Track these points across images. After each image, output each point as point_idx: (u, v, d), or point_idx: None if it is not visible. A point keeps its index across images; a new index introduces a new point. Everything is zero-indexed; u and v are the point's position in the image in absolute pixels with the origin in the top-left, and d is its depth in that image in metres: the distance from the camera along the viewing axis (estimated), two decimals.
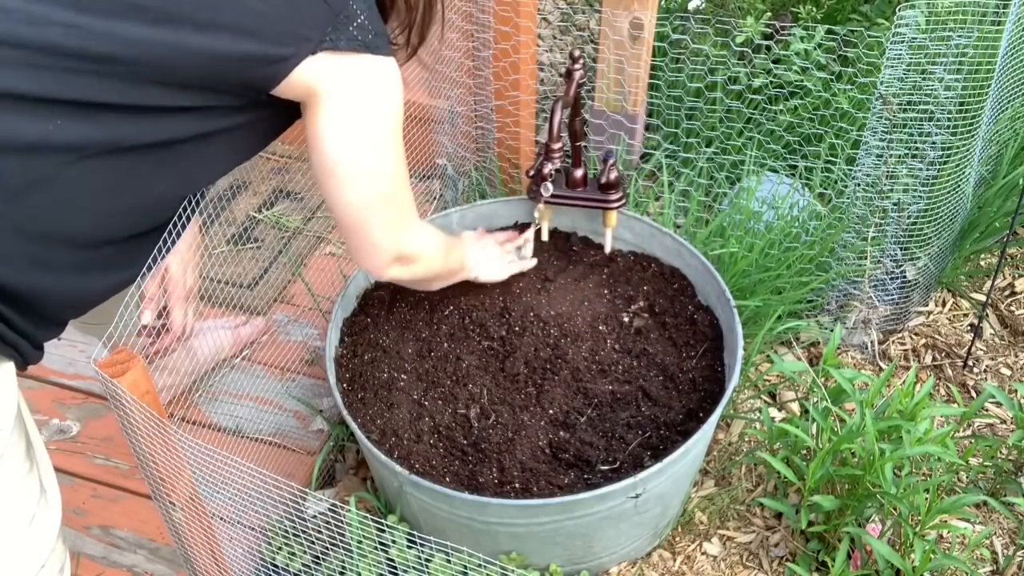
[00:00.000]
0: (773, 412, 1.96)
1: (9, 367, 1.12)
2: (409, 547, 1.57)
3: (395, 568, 1.51)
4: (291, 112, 1.26)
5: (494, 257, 1.81)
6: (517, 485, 1.55)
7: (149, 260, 1.25)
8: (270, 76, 1.16)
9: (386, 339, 1.77)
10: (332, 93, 1.21)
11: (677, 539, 1.77)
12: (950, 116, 1.82)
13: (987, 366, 2.07)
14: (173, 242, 1.27)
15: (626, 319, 1.80)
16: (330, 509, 1.36)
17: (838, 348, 1.93)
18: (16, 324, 1.10)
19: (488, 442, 1.61)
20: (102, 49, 1.05)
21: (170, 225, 1.25)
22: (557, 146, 1.68)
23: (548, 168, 1.74)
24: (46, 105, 1.05)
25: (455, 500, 1.48)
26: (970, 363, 2.06)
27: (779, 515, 1.80)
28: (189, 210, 1.27)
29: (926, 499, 1.55)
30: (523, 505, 1.48)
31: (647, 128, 2.44)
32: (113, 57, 1.06)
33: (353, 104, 1.23)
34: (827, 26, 2.20)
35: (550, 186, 1.74)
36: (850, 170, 2.03)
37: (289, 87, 1.18)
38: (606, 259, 1.91)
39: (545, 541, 1.55)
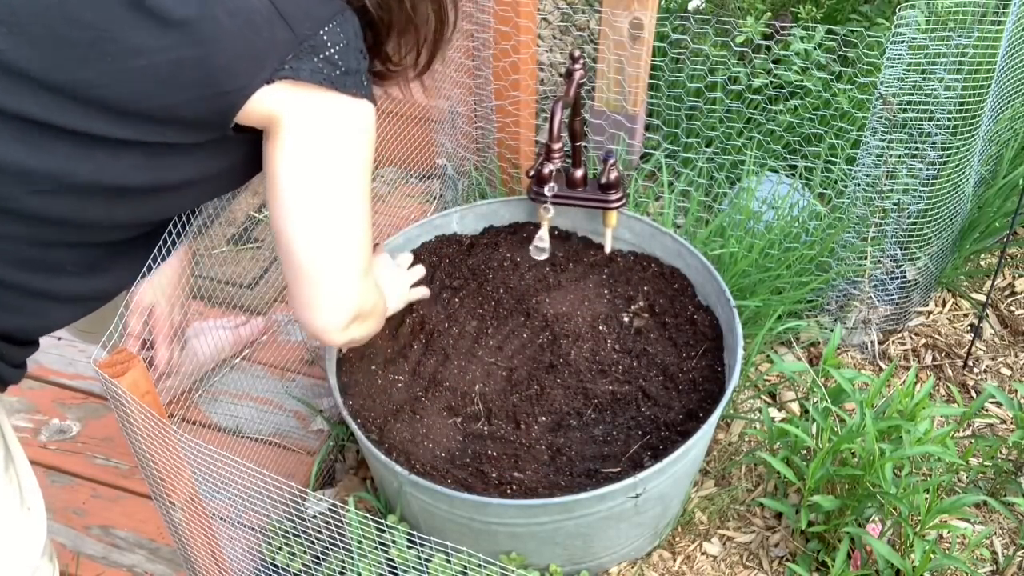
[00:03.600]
0: (773, 412, 1.96)
1: None
2: (409, 547, 1.57)
3: (395, 568, 1.51)
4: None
5: (395, 279, 1.70)
6: (517, 485, 1.55)
7: (132, 274, 1.23)
8: (228, 107, 1.10)
9: (386, 340, 1.77)
10: (291, 125, 1.13)
11: (677, 539, 1.77)
12: (950, 116, 1.82)
13: (987, 366, 2.07)
14: (168, 251, 1.26)
15: (626, 319, 1.80)
16: (330, 509, 1.36)
17: (838, 348, 1.93)
18: None
19: (488, 442, 1.61)
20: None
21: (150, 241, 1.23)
22: (557, 146, 1.68)
23: (548, 168, 1.74)
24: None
25: (455, 500, 1.48)
26: (970, 363, 2.06)
27: (779, 515, 1.80)
28: (169, 242, 1.25)
29: (926, 499, 1.55)
30: (523, 505, 1.48)
31: (647, 128, 2.44)
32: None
33: (313, 140, 1.15)
34: (827, 26, 2.20)
35: (554, 185, 1.74)
36: (850, 170, 2.03)
37: (248, 115, 1.12)
38: (606, 259, 1.91)
39: (545, 541, 1.55)
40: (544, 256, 1.80)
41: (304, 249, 1.20)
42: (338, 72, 1.12)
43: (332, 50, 1.11)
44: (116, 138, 1.06)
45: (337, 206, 1.20)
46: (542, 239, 1.78)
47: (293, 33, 1.09)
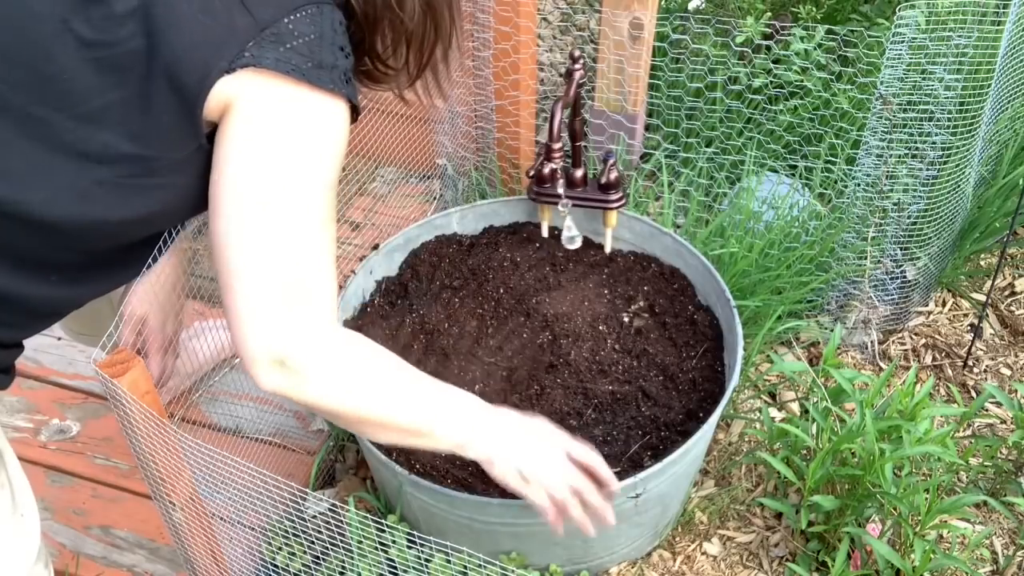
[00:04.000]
0: (773, 412, 1.96)
1: None
2: (409, 547, 1.57)
3: (395, 568, 1.51)
4: None
5: (547, 459, 1.28)
6: None
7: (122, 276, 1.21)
8: (192, 102, 1.03)
9: (386, 340, 1.77)
10: (244, 108, 1.03)
11: (677, 539, 1.77)
12: (950, 116, 1.82)
13: (987, 366, 2.07)
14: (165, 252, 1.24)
15: (626, 319, 1.80)
16: (330, 509, 1.36)
17: (838, 348, 1.93)
18: None
19: None
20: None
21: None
22: (557, 146, 1.69)
23: (548, 168, 1.75)
24: None
25: (456, 500, 1.48)
26: (970, 363, 2.06)
27: (779, 515, 1.80)
28: (169, 241, 1.22)
29: (926, 499, 1.55)
30: (524, 505, 1.48)
31: (647, 128, 2.44)
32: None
33: (269, 125, 1.04)
34: (827, 26, 2.21)
35: (563, 181, 1.78)
36: (850, 170, 2.03)
37: (211, 110, 1.04)
38: (606, 259, 1.91)
39: (545, 541, 1.55)
40: (577, 244, 1.85)
41: (233, 245, 1.05)
42: (310, 64, 1.04)
43: (300, 40, 1.04)
44: (80, 150, 1.02)
45: (284, 214, 1.05)
46: (570, 228, 1.83)
47: (253, 18, 1.02)
